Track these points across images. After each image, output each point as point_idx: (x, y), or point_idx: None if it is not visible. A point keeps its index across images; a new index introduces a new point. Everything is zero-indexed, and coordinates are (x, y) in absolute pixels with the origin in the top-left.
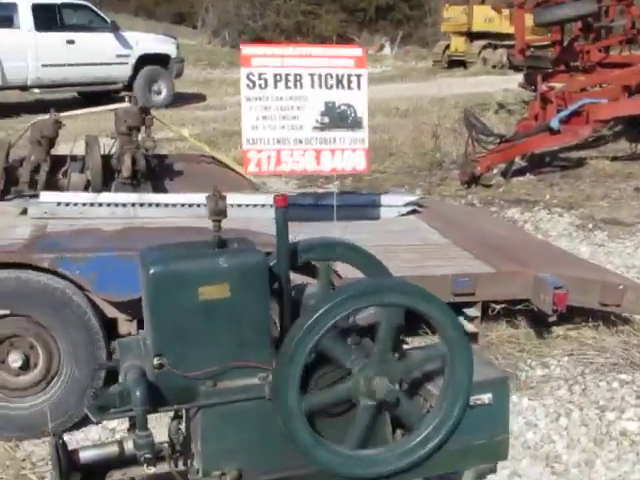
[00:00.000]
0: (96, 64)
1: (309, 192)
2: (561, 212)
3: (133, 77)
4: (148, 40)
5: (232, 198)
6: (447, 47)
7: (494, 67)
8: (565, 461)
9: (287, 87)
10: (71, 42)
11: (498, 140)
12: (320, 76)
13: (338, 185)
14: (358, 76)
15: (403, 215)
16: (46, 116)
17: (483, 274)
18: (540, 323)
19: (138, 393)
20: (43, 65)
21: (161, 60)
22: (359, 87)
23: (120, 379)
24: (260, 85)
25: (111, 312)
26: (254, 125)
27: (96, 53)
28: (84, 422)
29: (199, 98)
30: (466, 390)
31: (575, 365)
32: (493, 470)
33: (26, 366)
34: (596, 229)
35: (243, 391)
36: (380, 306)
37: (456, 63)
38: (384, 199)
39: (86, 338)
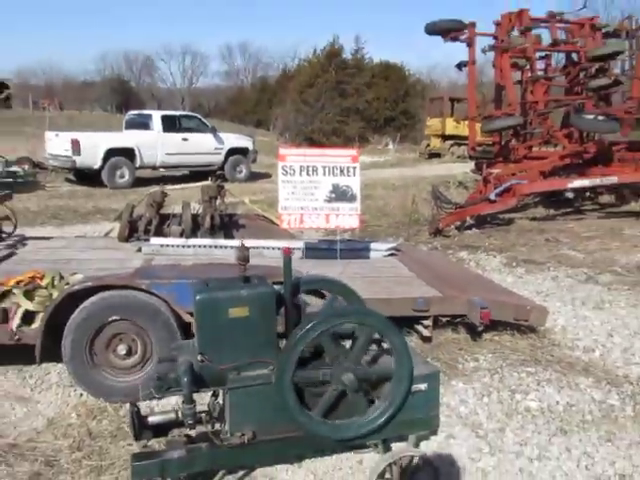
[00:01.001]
0: (201, 153)
1: (325, 239)
2: (495, 254)
3: (224, 162)
4: (234, 138)
5: (269, 242)
6: (428, 144)
7: (458, 158)
8: (485, 428)
9: (308, 175)
10: (185, 139)
11: (454, 206)
12: (329, 168)
13: (349, 235)
14: (353, 168)
15: (386, 256)
16: (157, 188)
17: (434, 297)
18: (474, 331)
19: (185, 379)
20: (167, 153)
21: (242, 151)
22: (354, 175)
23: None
24: (290, 173)
25: (187, 318)
26: (286, 197)
27: (201, 146)
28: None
29: (267, 176)
30: (408, 382)
31: (496, 360)
32: (434, 434)
33: (129, 353)
34: (518, 266)
35: (257, 378)
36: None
37: (434, 155)
38: (373, 245)
39: (169, 335)
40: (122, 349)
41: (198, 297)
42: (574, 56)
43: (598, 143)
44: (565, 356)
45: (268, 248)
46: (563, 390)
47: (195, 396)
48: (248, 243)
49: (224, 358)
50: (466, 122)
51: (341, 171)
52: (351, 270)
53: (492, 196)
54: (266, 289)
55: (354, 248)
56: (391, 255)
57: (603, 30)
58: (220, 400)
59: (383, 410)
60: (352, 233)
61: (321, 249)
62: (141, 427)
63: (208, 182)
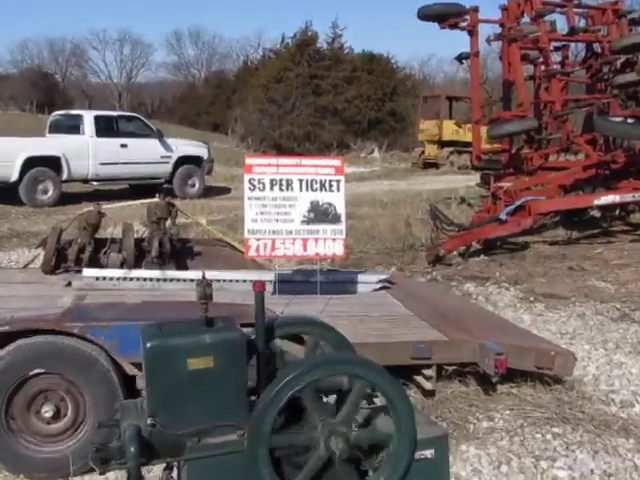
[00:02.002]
0: (144, 163)
1: (301, 269)
2: (508, 287)
3: (173, 173)
4: (185, 145)
5: (234, 274)
6: (422, 152)
7: (459, 168)
8: None
9: (281, 190)
10: (124, 146)
11: (457, 228)
12: (307, 181)
13: (330, 264)
14: (337, 181)
15: (376, 290)
16: (91, 207)
17: (438, 341)
18: (486, 382)
19: (132, 449)
20: (101, 163)
21: (195, 160)
22: (338, 190)
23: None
24: (259, 188)
25: (130, 370)
26: (254, 218)
27: (144, 154)
28: None
29: (226, 191)
30: (410, 448)
31: (515, 418)
32: None
33: (57, 416)
34: (536, 301)
35: (223, 446)
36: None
37: (430, 165)
38: (361, 277)
39: (109, 393)
40: (48, 411)
41: (148, 344)
42: (595, 47)
43: (627, 151)
44: (599, 412)
45: (233, 281)
46: (598, 455)
47: (144, 469)
48: (209, 275)
49: (181, 421)
50: (468, 126)
51: (322, 185)
52: (335, 308)
53: (502, 216)
54: (234, 334)
55: (337, 280)
56: (382, 289)
57: (629, 16)
58: (175, 474)
59: None
60: (333, 262)
61: (297, 282)
62: None
63: (154, 199)
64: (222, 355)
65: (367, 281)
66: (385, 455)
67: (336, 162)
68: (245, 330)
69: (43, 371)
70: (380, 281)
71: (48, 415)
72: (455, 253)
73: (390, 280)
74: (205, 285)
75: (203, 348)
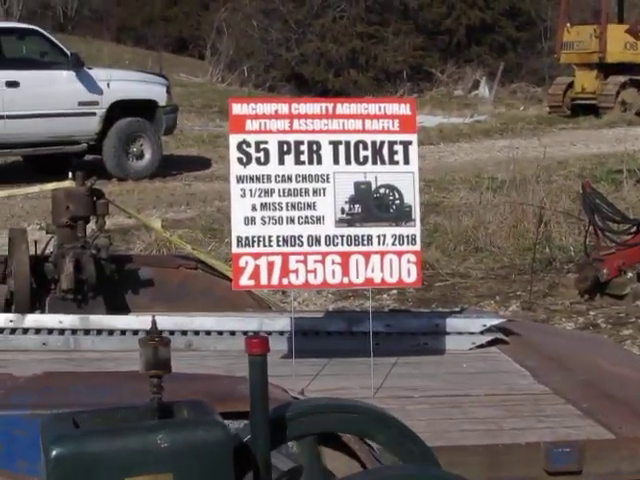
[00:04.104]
0: (49, 115)
1: (339, 310)
2: None
3: (103, 134)
4: (126, 80)
5: (210, 321)
6: (570, 86)
7: (638, 114)
8: None
9: (298, 162)
10: (13, 84)
11: (635, 229)
12: (348, 145)
13: (391, 298)
14: (405, 144)
15: (480, 347)
16: None
17: (595, 441)
18: None
19: None
20: None
21: (144, 109)
22: (406, 160)
23: None
24: (258, 159)
25: None
26: (249, 217)
27: (49, 100)
28: None
29: (200, 164)
30: None
31: None
32: None
33: None
34: None
35: None
36: None
37: (583, 109)
38: (451, 322)
39: None
40: None
41: (54, 452)
42: None
43: None
44: None
45: (212, 334)
46: None
47: None
48: (166, 323)
49: None
50: None
51: (376, 153)
52: (402, 382)
53: None
54: (211, 434)
55: (406, 331)
56: (493, 344)
57: None
58: None
59: None
60: (400, 296)
61: (332, 335)
62: None
63: (66, 183)
64: (189, 473)
65: (464, 330)
66: None
67: (404, 108)
68: (232, 426)
69: None
70: (488, 330)
71: None
72: (630, 275)
73: (508, 328)
74: (158, 345)
75: (154, 460)
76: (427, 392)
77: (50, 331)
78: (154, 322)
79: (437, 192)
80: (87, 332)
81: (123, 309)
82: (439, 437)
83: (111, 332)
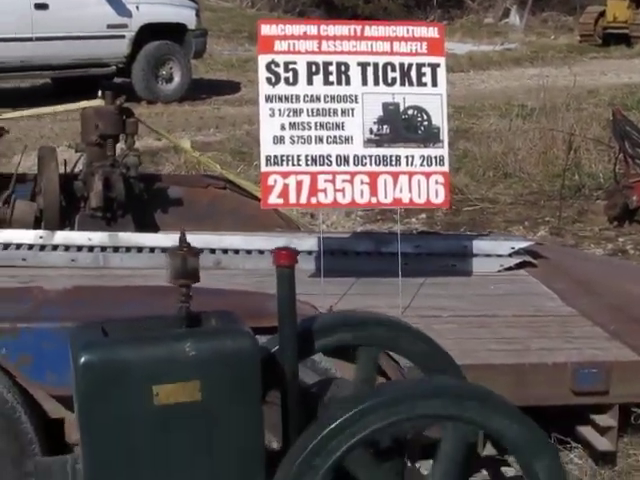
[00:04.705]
0: (78, 38)
1: (367, 231)
2: None
3: (132, 57)
4: (155, 3)
5: (238, 239)
6: (601, 15)
7: None
8: None
9: (327, 82)
10: (42, 7)
11: None
12: (377, 66)
13: (418, 221)
14: (433, 66)
15: (508, 270)
16: None
17: (622, 363)
18: None
19: None
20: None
21: (174, 32)
22: (435, 82)
23: None
24: (287, 80)
25: (55, 410)
26: (278, 136)
27: (78, 22)
28: None
29: (230, 88)
30: None
31: None
32: None
33: None
34: None
35: None
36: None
37: (615, 38)
38: (481, 245)
39: (15, 446)
40: None
41: (84, 360)
42: None
43: None
44: None
45: (240, 251)
46: None
47: None
48: (195, 240)
49: None
50: None
51: (404, 75)
52: (430, 302)
53: None
54: (239, 343)
55: (435, 252)
56: (521, 267)
57: None
58: None
59: None
60: (428, 218)
61: (360, 255)
62: None
63: (95, 102)
64: (217, 382)
65: (492, 252)
66: None
67: (432, 31)
68: (260, 338)
69: None
70: (517, 253)
71: None
72: None
73: (536, 252)
74: (186, 255)
75: (182, 368)
76: (455, 312)
77: (79, 248)
78: (183, 233)
79: (467, 118)
80: (116, 249)
81: (152, 227)
82: (467, 356)
83: (140, 250)
